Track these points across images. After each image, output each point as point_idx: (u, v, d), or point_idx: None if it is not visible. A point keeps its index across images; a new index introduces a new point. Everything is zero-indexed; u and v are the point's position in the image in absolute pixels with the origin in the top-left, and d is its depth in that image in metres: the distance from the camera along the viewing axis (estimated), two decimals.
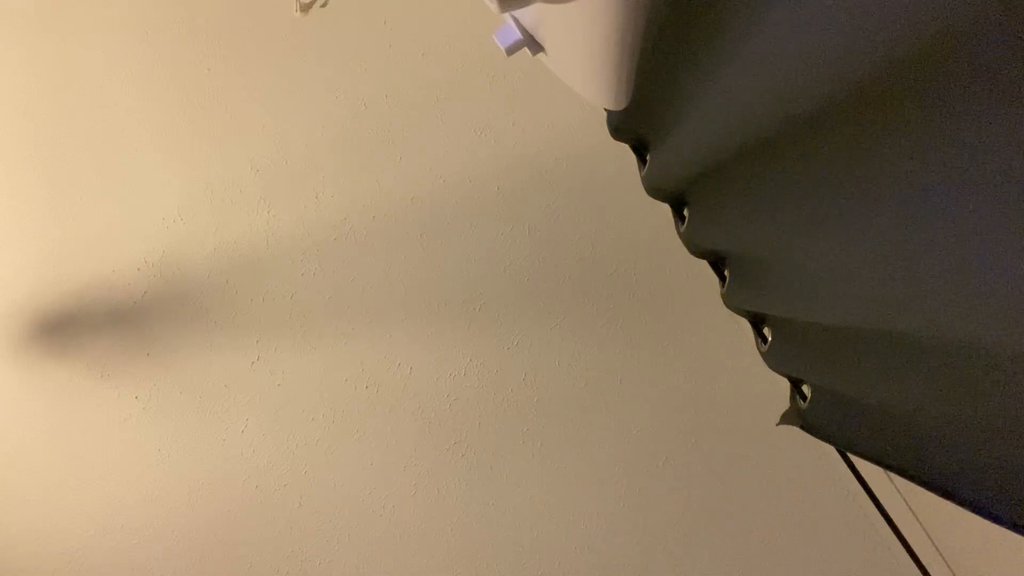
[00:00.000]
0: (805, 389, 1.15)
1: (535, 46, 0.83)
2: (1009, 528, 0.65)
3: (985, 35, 0.35)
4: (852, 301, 0.66)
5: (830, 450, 1.28)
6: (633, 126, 1.16)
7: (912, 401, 0.70)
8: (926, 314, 0.54)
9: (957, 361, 0.57)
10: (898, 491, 1.20)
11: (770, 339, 1.16)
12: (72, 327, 1.29)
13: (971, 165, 0.41)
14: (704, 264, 1.25)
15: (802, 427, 1.12)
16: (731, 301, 1.18)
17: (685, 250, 1.23)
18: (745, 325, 1.24)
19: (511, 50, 0.83)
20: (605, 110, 1.22)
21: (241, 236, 1.31)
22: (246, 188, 1.31)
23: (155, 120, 1.31)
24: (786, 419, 1.18)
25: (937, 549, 1.14)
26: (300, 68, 1.32)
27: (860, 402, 0.87)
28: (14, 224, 1.29)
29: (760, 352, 1.20)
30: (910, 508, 1.18)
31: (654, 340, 1.34)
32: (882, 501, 1.24)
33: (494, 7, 0.61)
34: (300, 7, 1.31)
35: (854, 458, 1.25)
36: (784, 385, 1.21)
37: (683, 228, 1.20)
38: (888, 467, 0.90)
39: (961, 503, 0.72)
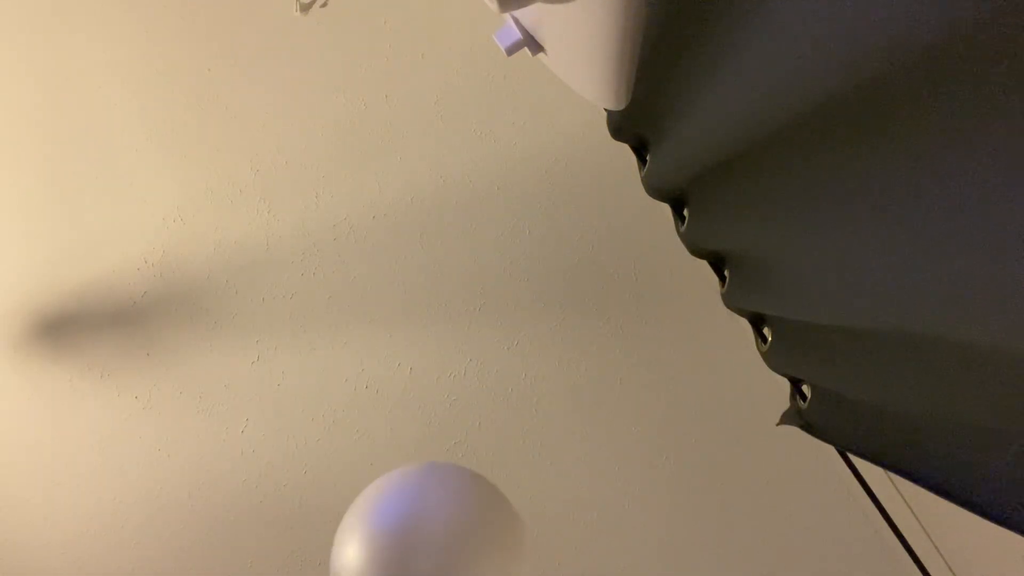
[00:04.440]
0: (805, 389, 1.15)
1: (535, 46, 0.83)
2: (1009, 528, 0.65)
3: (986, 34, 0.35)
4: (852, 301, 0.66)
5: (830, 450, 1.28)
6: (633, 126, 1.16)
7: (912, 401, 0.69)
8: (925, 315, 0.54)
9: (957, 362, 0.57)
10: (898, 491, 1.20)
11: (770, 339, 1.16)
12: (72, 327, 1.29)
13: (973, 165, 0.41)
14: (704, 264, 1.25)
15: (802, 427, 1.12)
16: (731, 301, 1.18)
17: (685, 250, 1.23)
18: (745, 325, 1.24)
19: (511, 50, 0.83)
20: (605, 110, 1.22)
21: (241, 236, 1.31)
22: (246, 188, 1.31)
23: (155, 120, 1.31)
24: (786, 419, 1.18)
25: (937, 549, 1.14)
26: (300, 68, 1.32)
27: (860, 402, 0.87)
28: (14, 224, 1.29)
29: (760, 352, 1.20)
30: (910, 508, 1.18)
31: (654, 340, 1.34)
32: (882, 501, 1.24)
33: (494, 7, 0.61)
34: (300, 7, 1.31)
35: (854, 458, 1.25)
36: (784, 385, 1.21)
37: (683, 228, 1.20)
38: (888, 467, 0.90)
39: (961, 503, 0.72)
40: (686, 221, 1.18)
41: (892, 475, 1.18)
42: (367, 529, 0.38)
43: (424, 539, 0.36)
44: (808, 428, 1.11)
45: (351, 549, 0.38)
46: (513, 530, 0.41)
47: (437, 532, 0.36)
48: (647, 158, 1.20)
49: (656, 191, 1.21)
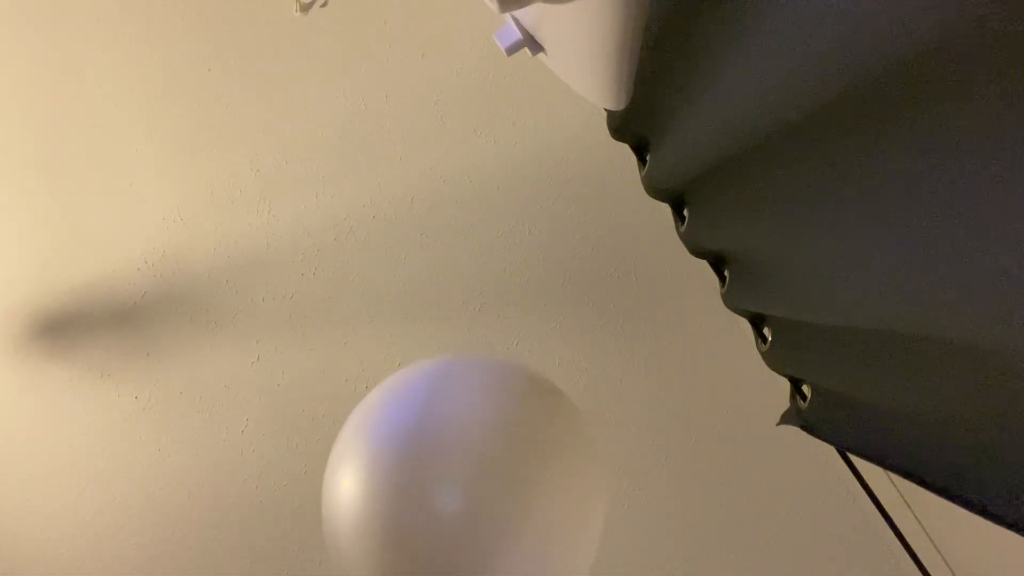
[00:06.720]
0: (805, 389, 1.15)
1: (535, 46, 0.83)
2: (1009, 528, 0.64)
3: (988, 33, 0.35)
4: (852, 301, 0.66)
5: (830, 450, 1.28)
6: (633, 126, 1.16)
7: (912, 401, 0.70)
8: (926, 314, 0.54)
9: (958, 361, 0.57)
10: (898, 491, 1.20)
11: (770, 339, 1.16)
12: (72, 327, 1.29)
13: (975, 164, 0.41)
14: (704, 264, 1.25)
15: (802, 427, 1.12)
16: (731, 301, 1.18)
17: (685, 250, 1.23)
18: (745, 325, 1.24)
19: (511, 50, 0.83)
20: (605, 110, 1.22)
21: (241, 236, 1.31)
22: (246, 188, 1.31)
23: (155, 120, 1.31)
24: (786, 419, 1.18)
25: (937, 549, 1.14)
26: (300, 68, 1.32)
27: (860, 402, 0.87)
28: (14, 224, 1.29)
29: (760, 352, 1.20)
30: (910, 508, 1.18)
31: (654, 340, 1.34)
32: (882, 501, 1.24)
33: (494, 7, 0.61)
34: (300, 7, 1.31)
35: (854, 458, 1.25)
36: (784, 385, 1.21)
37: (683, 228, 1.20)
38: (888, 467, 0.90)
39: (961, 503, 0.72)
40: (686, 221, 1.18)
41: (892, 475, 1.17)
42: (367, 446, 0.26)
43: (451, 450, 0.25)
44: (808, 428, 1.11)
45: (347, 478, 0.26)
46: (571, 425, 0.27)
47: (468, 438, 0.25)
48: (647, 158, 1.20)
49: (656, 191, 1.21)
